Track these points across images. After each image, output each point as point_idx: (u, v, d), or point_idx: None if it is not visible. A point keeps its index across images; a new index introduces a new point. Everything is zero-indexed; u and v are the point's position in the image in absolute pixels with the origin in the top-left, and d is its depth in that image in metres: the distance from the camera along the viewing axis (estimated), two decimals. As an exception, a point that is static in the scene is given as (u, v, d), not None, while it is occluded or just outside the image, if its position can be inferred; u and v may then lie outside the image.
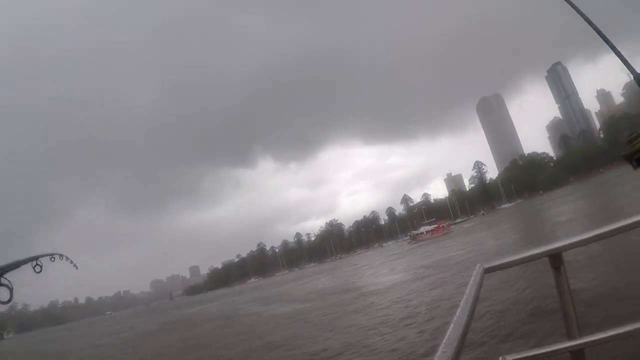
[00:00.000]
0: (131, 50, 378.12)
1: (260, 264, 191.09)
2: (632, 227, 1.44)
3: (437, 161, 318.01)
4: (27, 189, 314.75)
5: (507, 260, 1.59)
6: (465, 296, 1.20)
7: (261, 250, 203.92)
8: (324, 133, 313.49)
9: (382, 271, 30.76)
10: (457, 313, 1.06)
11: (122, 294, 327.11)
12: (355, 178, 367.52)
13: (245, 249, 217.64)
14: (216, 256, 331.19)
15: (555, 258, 1.53)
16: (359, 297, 18.61)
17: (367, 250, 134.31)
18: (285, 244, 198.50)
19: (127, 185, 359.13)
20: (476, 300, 1.18)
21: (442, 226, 67.43)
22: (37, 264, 2.29)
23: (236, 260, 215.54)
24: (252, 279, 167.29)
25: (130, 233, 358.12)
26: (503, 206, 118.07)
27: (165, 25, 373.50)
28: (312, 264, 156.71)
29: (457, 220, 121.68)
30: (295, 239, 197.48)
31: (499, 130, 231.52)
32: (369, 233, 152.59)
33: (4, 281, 1.95)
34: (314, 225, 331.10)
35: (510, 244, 21.44)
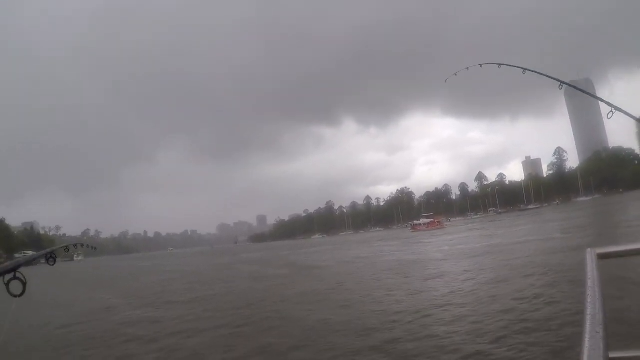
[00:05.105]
0: (233, 8, 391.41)
1: (327, 221, 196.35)
2: None
3: (516, 142, 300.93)
4: (117, 131, 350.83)
5: (624, 248, 1.32)
6: (588, 288, 0.99)
7: (329, 208, 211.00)
8: (407, 100, 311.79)
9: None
10: (588, 307, 0.89)
11: (189, 233, 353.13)
12: (433, 148, 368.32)
13: (313, 206, 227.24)
14: (284, 209, 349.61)
15: None
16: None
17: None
18: (354, 205, 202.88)
19: (211, 133, 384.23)
20: (602, 289, 0.98)
21: (438, 221, 76.28)
22: (51, 257, 2.31)
23: (303, 215, 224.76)
24: (317, 235, 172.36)
25: (206, 178, 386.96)
26: (580, 199, 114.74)
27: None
28: (377, 229, 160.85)
29: (529, 207, 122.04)
30: (365, 202, 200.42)
31: (586, 118, 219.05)
32: (438, 206, 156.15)
33: (18, 275, 1.81)
34: (384, 191, 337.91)
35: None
